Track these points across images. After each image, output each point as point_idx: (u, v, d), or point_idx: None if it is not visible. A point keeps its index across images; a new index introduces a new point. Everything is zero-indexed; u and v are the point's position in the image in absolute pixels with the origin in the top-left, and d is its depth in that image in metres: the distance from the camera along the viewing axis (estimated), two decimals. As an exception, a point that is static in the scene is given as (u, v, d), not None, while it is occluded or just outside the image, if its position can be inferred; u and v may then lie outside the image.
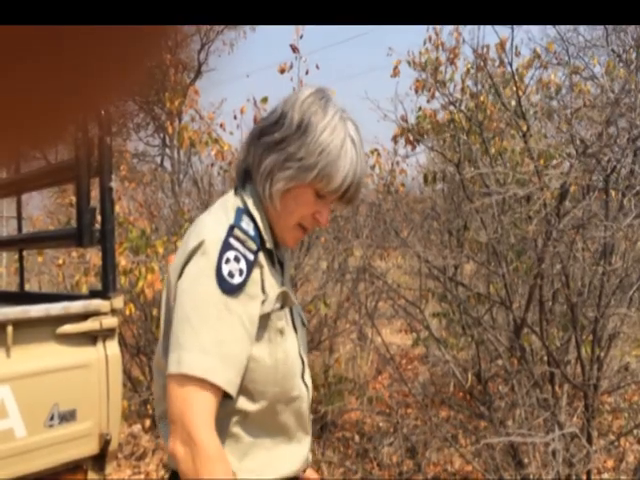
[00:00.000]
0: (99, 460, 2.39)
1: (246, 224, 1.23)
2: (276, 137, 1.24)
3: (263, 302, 1.22)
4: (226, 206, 1.27)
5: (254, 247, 1.21)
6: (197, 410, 1.12)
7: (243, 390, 1.21)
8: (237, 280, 1.16)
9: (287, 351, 1.27)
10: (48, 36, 0.29)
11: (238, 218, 1.23)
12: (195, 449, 1.10)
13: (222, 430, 1.20)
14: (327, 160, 1.22)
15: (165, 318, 1.27)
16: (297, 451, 1.33)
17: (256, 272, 1.21)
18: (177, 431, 1.12)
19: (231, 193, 1.31)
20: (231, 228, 1.20)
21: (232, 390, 1.16)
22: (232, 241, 1.18)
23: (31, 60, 0.29)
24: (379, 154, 5.31)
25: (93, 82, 0.32)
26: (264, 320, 1.22)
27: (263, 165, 1.25)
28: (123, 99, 0.34)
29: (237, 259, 1.17)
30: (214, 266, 1.15)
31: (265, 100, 4.44)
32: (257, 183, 1.27)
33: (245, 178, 1.31)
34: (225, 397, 1.17)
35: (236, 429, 1.23)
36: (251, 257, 1.19)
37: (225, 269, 1.15)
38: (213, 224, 1.22)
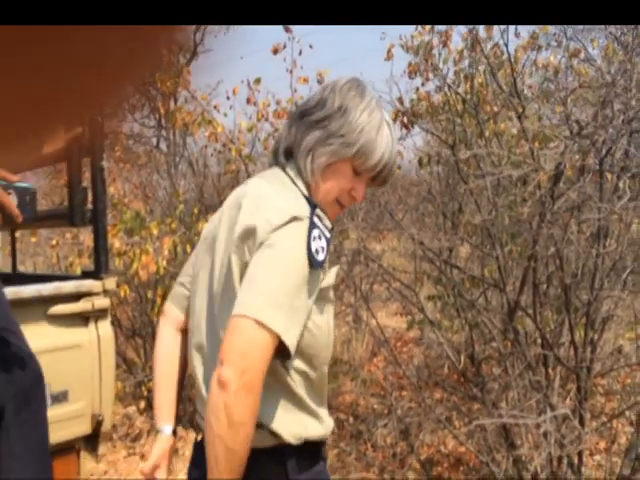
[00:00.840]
0: (92, 440, 2.40)
1: None
2: (318, 116, 1.34)
3: (324, 277, 1.32)
4: (284, 183, 1.35)
5: (330, 225, 1.32)
6: (262, 358, 1.16)
7: (300, 353, 1.29)
8: (321, 257, 1.25)
9: (332, 319, 1.40)
10: (50, 36, 0.30)
11: (307, 197, 1.32)
12: (248, 388, 1.14)
13: (277, 385, 1.28)
14: (366, 138, 1.33)
15: (222, 290, 1.31)
16: (327, 415, 1.43)
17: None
18: (234, 362, 1.15)
19: (278, 170, 1.39)
20: (314, 207, 1.29)
21: (293, 353, 1.23)
22: (316, 220, 1.27)
23: (33, 58, 0.30)
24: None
25: (93, 80, 0.32)
26: (325, 292, 1.33)
27: (305, 141, 1.34)
28: (123, 96, 0.35)
29: (320, 237, 1.26)
30: (305, 241, 1.23)
31: (258, 81, 4.41)
32: (298, 159, 1.36)
33: (287, 156, 1.40)
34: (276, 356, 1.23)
35: (292, 386, 1.31)
36: (328, 235, 1.30)
37: (313, 246, 1.24)
38: (292, 201, 1.29)
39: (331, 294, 1.37)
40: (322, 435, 1.37)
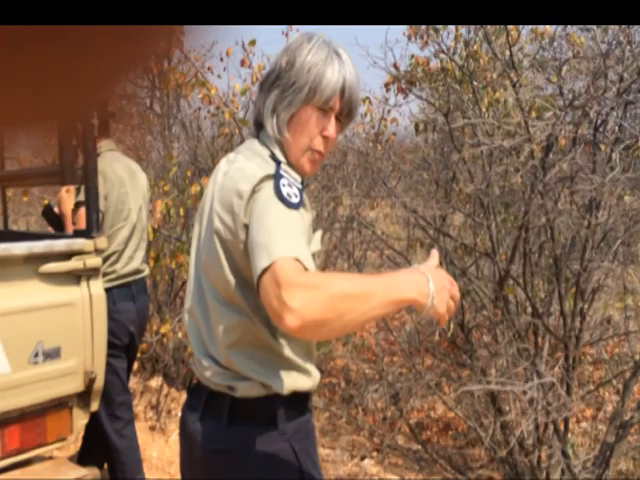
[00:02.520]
0: (84, 397, 2.43)
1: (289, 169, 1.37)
2: (272, 78, 1.40)
3: (309, 242, 1.34)
4: (260, 154, 1.38)
5: (299, 179, 1.36)
6: (302, 278, 1.13)
7: None
8: (295, 200, 1.28)
9: None
10: (52, 34, 0.32)
11: (278, 163, 1.35)
12: (318, 289, 1.11)
13: (267, 348, 1.35)
14: (314, 73, 1.36)
15: (208, 260, 1.36)
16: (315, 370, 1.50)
17: (306, 208, 1.34)
18: (286, 308, 1.10)
19: (256, 142, 1.42)
20: (278, 163, 1.33)
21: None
22: (282, 172, 1.31)
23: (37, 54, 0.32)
24: (370, 102, 5.25)
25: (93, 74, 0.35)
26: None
27: (266, 105, 1.40)
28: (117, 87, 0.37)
29: (290, 185, 1.30)
30: (275, 191, 1.27)
31: (253, 42, 4.35)
32: (266, 123, 1.40)
33: (258, 128, 1.45)
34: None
35: (281, 349, 1.36)
36: (300, 186, 1.33)
37: (284, 191, 1.27)
38: (260, 166, 1.33)
39: (317, 260, 1.39)
40: (310, 386, 1.44)
